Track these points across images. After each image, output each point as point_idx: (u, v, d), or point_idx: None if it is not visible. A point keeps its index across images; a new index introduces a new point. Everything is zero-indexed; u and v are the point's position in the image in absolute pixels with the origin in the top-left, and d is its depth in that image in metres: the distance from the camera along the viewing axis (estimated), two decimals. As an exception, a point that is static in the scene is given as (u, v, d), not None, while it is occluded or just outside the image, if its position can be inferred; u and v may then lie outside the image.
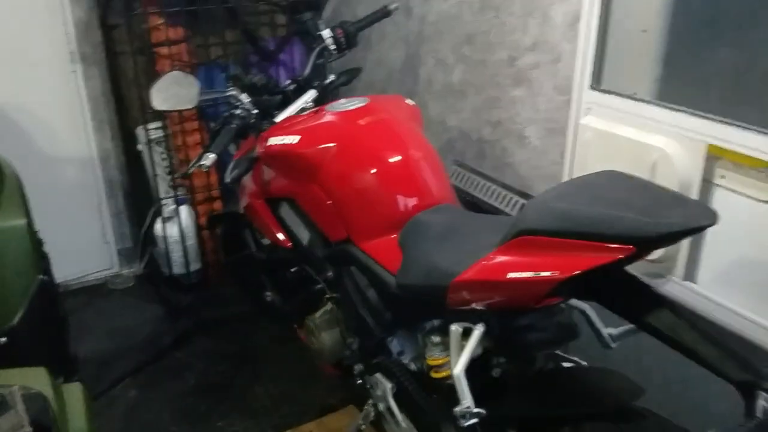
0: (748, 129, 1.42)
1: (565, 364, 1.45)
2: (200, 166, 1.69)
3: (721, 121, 1.47)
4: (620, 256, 1.00)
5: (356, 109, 1.73)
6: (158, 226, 2.87)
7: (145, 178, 2.94)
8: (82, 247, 2.98)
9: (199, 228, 2.90)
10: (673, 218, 0.99)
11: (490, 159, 2.26)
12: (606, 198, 1.07)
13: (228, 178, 1.91)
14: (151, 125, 2.76)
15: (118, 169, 3.03)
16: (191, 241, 2.88)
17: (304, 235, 1.80)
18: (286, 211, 1.87)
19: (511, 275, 1.12)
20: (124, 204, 3.09)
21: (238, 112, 1.82)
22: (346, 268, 1.66)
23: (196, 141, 2.77)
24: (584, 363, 1.45)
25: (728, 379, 0.98)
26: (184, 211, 2.86)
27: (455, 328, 1.30)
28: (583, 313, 1.37)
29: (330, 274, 1.74)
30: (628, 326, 1.28)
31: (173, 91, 1.74)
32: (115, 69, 2.85)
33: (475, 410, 1.21)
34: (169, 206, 2.84)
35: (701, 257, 1.61)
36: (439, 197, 1.61)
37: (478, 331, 1.25)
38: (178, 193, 2.84)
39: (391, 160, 1.59)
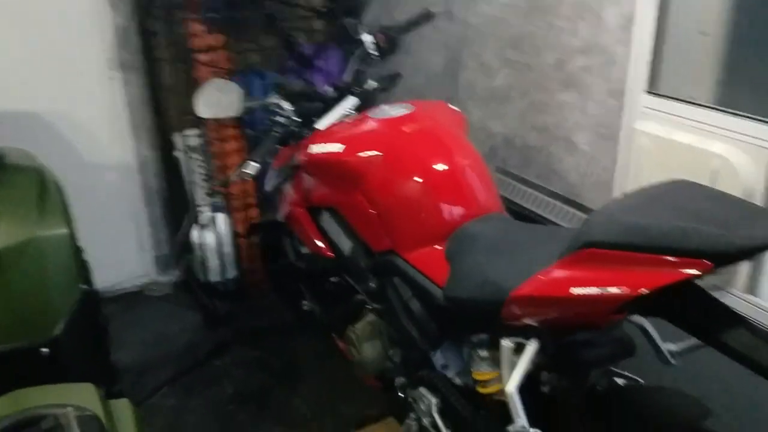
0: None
1: (619, 381, 1.38)
2: (242, 174, 1.67)
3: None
4: (696, 272, 0.93)
5: (401, 116, 1.69)
6: (195, 234, 2.86)
7: (182, 185, 2.94)
8: (119, 254, 2.98)
9: (235, 235, 2.88)
10: (754, 231, 0.92)
11: (535, 166, 2.20)
12: (678, 209, 1.01)
13: (268, 186, 1.88)
14: (189, 132, 2.75)
15: (155, 176, 3.03)
16: (228, 248, 2.87)
17: (345, 245, 1.77)
18: (327, 220, 1.83)
19: (575, 291, 1.06)
20: (161, 211, 3.09)
21: (280, 119, 1.80)
22: (389, 279, 1.62)
23: (233, 148, 2.75)
24: (640, 380, 1.39)
25: None
26: (221, 218, 2.85)
27: (507, 344, 1.25)
28: (641, 327, 1.31)
29: (372, 284, 1.70)
30: (690, 342, 1.22)
31: (216, 99, 1.72)
32: (154, 76, 2.85)
33: (531, 430, 1.16)
34: (205, 213, 2.84)
35: (766, 269, 1.52)
36: (487, 206, 1.57)
37: (531, 347, 1.21)
38: (215, 200, 2.83)
39: (437, 168, 1.55)
